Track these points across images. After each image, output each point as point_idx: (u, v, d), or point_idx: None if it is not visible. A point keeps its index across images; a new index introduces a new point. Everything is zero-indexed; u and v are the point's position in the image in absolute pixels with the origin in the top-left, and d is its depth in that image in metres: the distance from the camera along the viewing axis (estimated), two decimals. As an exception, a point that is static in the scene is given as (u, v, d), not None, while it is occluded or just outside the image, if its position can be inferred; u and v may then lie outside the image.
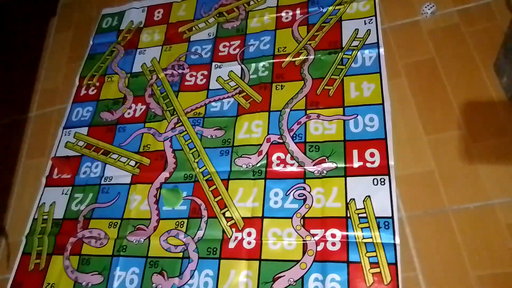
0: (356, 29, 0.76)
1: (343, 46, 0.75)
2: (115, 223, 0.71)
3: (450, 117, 0.65)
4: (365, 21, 0.76)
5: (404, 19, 0.76)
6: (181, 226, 0.68)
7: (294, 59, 0.77)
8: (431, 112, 0.66)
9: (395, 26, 0.75)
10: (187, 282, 0.63)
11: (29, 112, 0.95)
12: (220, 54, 0.83)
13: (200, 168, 0.72)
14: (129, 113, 0.83)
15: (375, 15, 0.75)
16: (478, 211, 0.58)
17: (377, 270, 0.56)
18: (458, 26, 0.72)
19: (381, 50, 0.72)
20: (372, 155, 0.63)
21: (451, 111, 0.66)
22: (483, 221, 0.57)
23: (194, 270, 0.63)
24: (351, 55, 0.73)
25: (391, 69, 0.71)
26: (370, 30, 0.74)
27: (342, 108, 0.69)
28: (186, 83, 0.82)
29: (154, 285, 0.64)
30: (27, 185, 0.84)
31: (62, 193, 0.78)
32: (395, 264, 0.55)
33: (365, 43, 0.73)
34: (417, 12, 0.75)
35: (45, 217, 0.77)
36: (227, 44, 0.84)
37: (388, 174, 0.61)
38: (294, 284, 0.58)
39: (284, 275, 0.59)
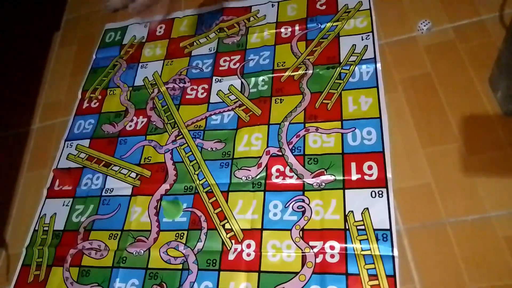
0: (353, 44, 0.77)
1: (341, 61, 0.76)
2: (116, 235, 0.72)
3: (447, 131, 0.66)
4: (362, 37, 0.78)
5: (401, 35, 0.77)
6: (181, 237, 0.68)
7: (293, 74, 0.78)
8: (427, 126, 0.68)
9: (392, 42, 0.77)
10: (186, 294, 0.63)
11: (31, 124, 0.97)
12: (220, 68, 0.85)
13: (200, 180, 0.72)
14: (130, 126, 0.84)
15: (372, 31, 0.77)
16: (475, 224, 0.59)
17: (376, 282, 0.56)
18: (453, 42, 0.74)
19: (378, 65, 0.74)
20: (370, 167, 0.64)
21: (448, 125, 0.67)
22: (480, 234, 0.58)
23: (194, 282, 0.63)
24: (349, 69, 0.75)
25: (388, 83, 0.73)
26: (367, 45, 0.76)
27: (340, 122, 0.70)
28: (187, 97, 0.84)
29: (153, 297, 0.64)
30: (28, 196, 0.85)
31: (63, 205, 0.79)
32: (394, 276, 0.56)
33: (363, 58, 0.75)
34: (413, 29, 0.77)
35: (46, 228, 0.77)
36: (228, 58, 0.86)
37: (386, 187, 0.62)
38: (293, 296, 0.58)
39: (283, 287, 0.59)
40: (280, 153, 0.70)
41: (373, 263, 0.57)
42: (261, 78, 0.80)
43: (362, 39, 0.77)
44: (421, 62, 0.74)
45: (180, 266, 0.65)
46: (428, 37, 0.76)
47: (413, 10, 0.79)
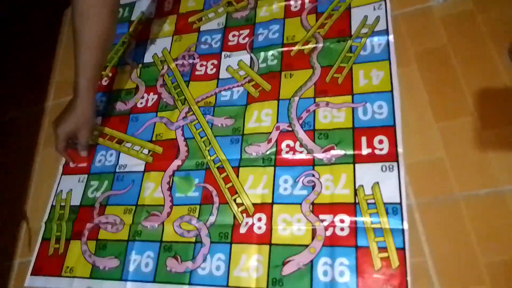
0: (365, 16, 0.75)
1: (352, 34, 0.75)
2: (130, 210, 0.74)
3: (461, 104, 0.65)
4: (374, 6, 0.75)
5: (415, 5, 0.74)
6: (194, 212, 0.70)
7: (303, 48, 0.77)
8: (442, 100, 0.66)
9: (406, 13, 0.74)
10: (199, 265, 0.65)
11: (46, 101, 0.98)
12: (229, 43, 0.84)
13: (211, 156, 0.73)
14: (141, 103, 0.85)
15: (385, 1, 0.75)
16: (488, 198, 0.58)
17: (385, 255, 0.57)
18: (471, 12, 0.71)
19: (391, 37, 0.72)
20: (380, 142, 0.64)
21: (463, 98, 0.65)
22: (492, 208, 0.57)
23: (207, 254, 0.65)
24: (360, 42, 0.73)
25: (402, 56, 0.71)
26: (379, 16, 0.74)
27: (351, 96, 0.69)
28: (197, 73, 0.83)
29: (168, 268, 0.66)
30: (45, 173, 0.87)
31: (79, 181, 0.81)
32: (403, 249, 0.56)
33: (374, 30, 0.73)
34: (429, -2, 0.74)
35: (63, 204, 0.80)
36: (236, 33, 0.85)
37: (397, 161, 0.62)
38: (303, 268, 0.60)
39: (293, 259, 0.60)
40: (290, 129, 0.70)
41: (383, 236, 0.58)
42: (270, 53, 0.79)
43: (374, 9, 0.75)
44: (436, 34, 0.71)
45: (193, 239, 0.67)
46: (444, 7, 0.73)
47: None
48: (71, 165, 0.83)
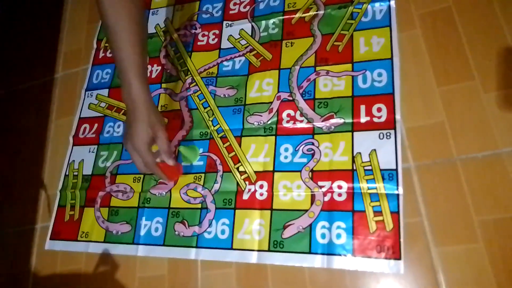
0: (367, -19, 0.74)
1: (354, 0, 0.74)
2: (139, 178, 0.77)
3: (464, 68, 0.65)
4: (376, -30, 0.73)
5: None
6: (199, 180, 0.73)
7: (304, 15, 0.76)
8: (444, 63, 0.66)
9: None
10: (206, 230, 0.69)
11: (55, 73, 1.00)
12: (230, 12, 0.84)
13: (214, 126, 0.75)
14: (146, 74, 0.86)
15: (387, -35, 0.73)
16: (485, 160, 0.60)
17: (380, 218, 0.59)
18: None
19: (392, 2, 0.70)
20: (379, 110, 0.65)
21: (465, 62, 0.65)
22: (490, 170, 0.59)
23: (212, 219, 0.69)
24: (361, 8, 0.72)
25: (405, 20, 0.70)
26: (381, -19, 0.72)
27: (351, 64, 0.69)
28: (199, 43, 0.84)
29: (176, 232, 0.70)
30: (59, 143, 0.91)
31: (89, 151, 0.84)
32: (398, 212, 0.59)
33: (376, -5, 0.72)
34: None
35: (75, 173, 0.84)
36: (238, 1, 0.84)
37: (394, 128, 0.63)
38: (303, 231, 0.63)
39: (293, 223, 0.64)
40: (291, 98, 0.71)
41: (378, 201, 0.60)
42: (271, 21, 0.79)
43: (376, -27, 0.73)
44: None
45: (199, 206, 0.71)
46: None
47: None
48: (168, 183, 0.73)
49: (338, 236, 0.61)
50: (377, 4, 0.71)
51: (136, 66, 0.60)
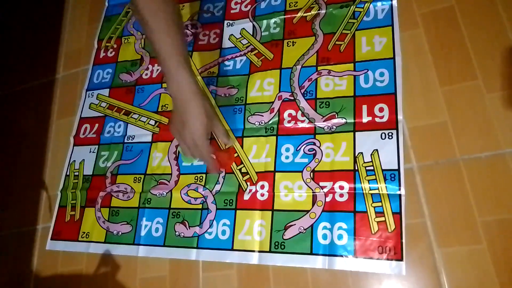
0: (369, -21, 0.73)
1: (355, -1, 0.73)
2: (139, 178, 0.77)
3: (467, 68, 0.64)
4: (378, -31, 0.73)
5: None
6: (200, 180, 0.72)
7: (305, 14, 0.76)
8: (447, 63, 0.66)
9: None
10: (206, 230, 0.68)
11: (56, 74, 1.00)
12: (232, 11, 0.83)
13: (215, 126, 0.75)
14: (146, 74, 0.86)
15: (389, -36, 0.72)
16: (488, 160, 0.59)
17: (382, 219, 0.59)
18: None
19: (394, 1, 0.70)
20: (381, 110, 0.64)
21: (468, 62, 0.64)
22: (493, 170, 0.58)
23: (213, 220, 0.69)
24: (363, 8, 0.72)
25: (408, 19, 0.70)
26: (383, -21, 0.72)
27: (353, 64, 0.69)
28: (200, 43, 0.84)
29: (177, 233, 0.70)
30: (60, 143, 0.90)
31: (90, 151, 0.84)
32: (400, 213, 0.58)
33: (378, -7, 0.71)
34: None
35: (76, 173, 0.84)
36: (239, 0, 0.84)
37: (396, 128, 0.63)
38: (304, 231, 0.62)
39: (295, 224, 0.63)
40: (292, 98, 0.71)
41: (380, 201, 0.60)
42: (273, 21, 0.78)
43: (379, -28, 0.73)
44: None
45: (200, 206, 0.70)
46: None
47: None
48: (220, 170, 0.71)
49: (340, 237, 0.60)
50: (379, 4, 0.71)
51: (184, 57, 0.59)
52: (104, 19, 0.98)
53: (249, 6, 0.82)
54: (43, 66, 1.02)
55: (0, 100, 1.05)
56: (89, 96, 0.90)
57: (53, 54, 1.02)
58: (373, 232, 0.59)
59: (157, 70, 0.85)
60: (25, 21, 1.13)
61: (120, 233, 0.74)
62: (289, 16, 0.77)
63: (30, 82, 1.03)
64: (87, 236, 0.76)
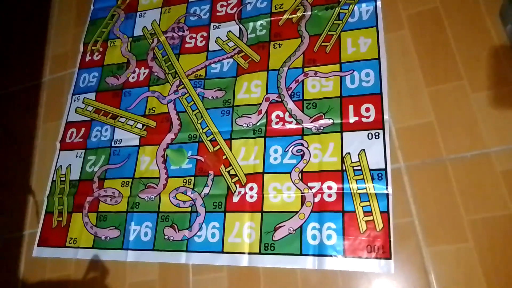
0: (353, -19, 0.74)
1: (340, 1, 0.74)
2: (127, 182, 0.76)
3: (452, 68, 0.65)
4: (363, -28, 0.74)
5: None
6: (189, 183, 0.72)
7: (291, 16, 0.76)
8: (432, 64, 0.67)
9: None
10: (196, 233, 0.68)
11: (42, 77, 0.99)
12: (218, 14, 0.83)
13: (203, 129, 0.75)
14: (133, 78, 0.85)
15: (373, -35, 0.73)
16: (474, 160, 0.60)
17: (370, 218, 0.59)
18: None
19: (378, 3, 0.71)
20: (367, 110, 0.65)
21: (454, 62, 0.66)
22: (478, 169, 0.60)
23: (202, 223, 0.68)
24: (348, 9, 0.73)
25: (394, 20, 0.71)
26: (368, -19, 0.73)
27: (338, 65, 0.70)
28: (187, 45, 0.83)
29: (166, 237, 0.70)
30: (46, 148, 0.89)
31: (76, 156, 0.83)
32: (387, 212, 0.59)
33: (363, -4, 0.72)
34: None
35: (63, 179, 0.82)
36: (225, 3, 0.84)
37: (383, 128, 0.63)
38: (293, 232, 0.63)
39: (284, 225, 0.63)
40: (280, 99, 0.71)
41: (368, 201, 0.60)
42: (259, 23, 0.78)
43: (363, -26, 0.74)
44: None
45: (189, 209, 0.70)
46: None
47: None
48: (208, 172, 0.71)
49: (329, 237, 0.60)
50: (363, 5, 0.72)
51: None
52: (90, 22, 0.97)
53: (235, 9, 0.82)
54: (29, 69, 1.01)
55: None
56: (75, 100, 0.89)
57: (40, 57, 1.01)
58: (361, 232, 0.59)
59: (144, 73, 0.85)
60: (11, 24, 1.11)
61: (108, 238, 0.73)
62: (275, 18, 0.78)
63: (16, 85, 1.01)
64: (74, 242, 0.75)
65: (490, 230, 0.57)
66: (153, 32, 0.88)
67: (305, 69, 0.71)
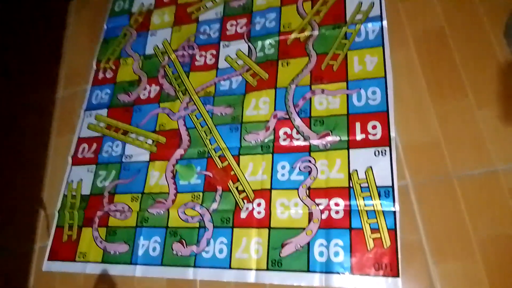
0: (359, 1, 0.76)
1: (347, 20, 0.75)
2: (137, 197, 0.77)
3: (458, 86, 0.66)
4: (369, -7, 0.76)
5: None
6: (197, 199, 0.73)
7: (299, 36, 0.78)
8: (438, 81, 0.67)
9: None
10: (204, 249, 0.68)
11: (56, 93, 1.01)
12: (227, 33, 0.85)
13: (212, 145, 0.76)
14: (144, 94, 0.87)
15: (379, -14, 0.75)
16: (482, 177, 0.60)
17: (378, 235, 0.59)
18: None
19: (384, 22, 0.72)
20: (374, 127, 0.66)
21: (459, 80, 0.66)
22: (486, 187, 0.59)
23: (210, 238, 0.69)
24: (354, 29, 0.74)
25: (400, 39, 0.72)
26: (373, 2, 0.74)
27: (345, 83, 0.71)
28: (196, 63, 0.85)
29: (174, 252, 0.70)
30: (58, 161, 0.91)
31: (88, 171, 0.85)
32: (395, 229, 0.59)
33: (369, 16, 0.74)
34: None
35: (74, 193, 0.84)
36: (234, 22, 0.86)
37: (389, 145, 0.64)
38: (301, 249, 0.63)
39: (291, 241, 0.64)
40: (287, 116, 0.72)
41: (375, 218, 0.60)
42: (267, 42, 0.80)
43: (369, -5, 0.75)
44: (434, 15, 0.72)
45: (197, 224, 0.71)
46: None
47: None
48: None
49: (336, 254, 0.60)
50: (369, 25, 0.73)
51: None
52: (103, 41, 1.00)
53: (244, 28, 0.84)
54: (44, 85, 1.03)
55: (1, 118, 1.05)
56: (87, 116, 0.91)
57: (54, 74, 1.03)
58: (369, 249, 0.59)
59: (155, 90, 0.87)
60: (27, 42, 1.14)
61: (117, 253, 0.74)
62: (283, 37, 0.79)
63: (31, 101, 1.04)
64: (84, 256, 0.76)
65: (498, 249, 0.56)
66: (164, 50, 0.90)
67: (313, 87, 0.73)
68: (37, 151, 0.95)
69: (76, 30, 1.09)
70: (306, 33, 0.78)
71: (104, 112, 0.90)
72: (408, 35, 0.72)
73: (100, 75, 0.95)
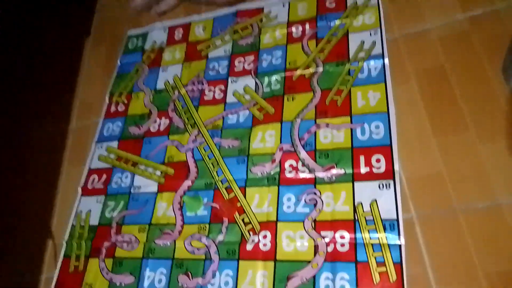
0: (362, 41, 0.79)
1: (350, 58, 0.79)
2: (144, 228, 0.78)
3: (459, 121, 0.68)
4: (370, 32, 0.79)
5: (414, 28, 0.78)
6: (204, 230, 0.74)
7: (304, 72, 0.82)
8: (440, 116, 0.69)
9: (405, 35, 0.78)
10: (209, 281, 0.68)
11: (69, 124, 1.05)
12: (235, 69, 0.89)
13: (219, 176, 0.77)
14: (154, 127, 0.90)
15: (380, 27, 0.79)
16: (485, 211, 0.60)
17: (384, 269, 0.59)
18: (467, 32, 0.74)
19: (386, 60, 0.75)
20: (378, 160, 0.67)
21: (460, 115, 0.68)
22: (491, 220, 0.60)
23: (216, 270, 0.69)
24: (357, 66, 0.77)
25: (402, 75, 0.74)
26: (375, 41, 0.78)
27: (349, 117, 0.73)
28: (205, 98, 0.89)
29: (180, 284, 0.70)
30: (68, 192, 0.92)
31: (97, 202, 0.86)
32: (400, 263, 0.59)
33: (371, 54, 0.77)
34: (426, 20, 0.77)
35: (82, 224, 0.85)
36: (242, 59, 0.90)
37: (393, 179, 0.65)
38: (306, 282, 0.62)
39: (297, 274, 0.63)
40: (293, 149, 0.74)
41: (381, 251, 0.60)
42: (274, 78, 0.84)
43: (371, 35, 0.79)
44: (434, 54, 0.75)
45: (203, 256, 0.71)
46: (442, 29, 0.76)
47: (425, 1, 0.80)
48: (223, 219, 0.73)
49: (342, 287, 0.60)
50: (372, 62, 0.76)
51: None
52: (116, 76, 1.04)
53: (251, 65, 0.88)
54: (57, 117, 1.07)
55: (15, 144, 1.08)
56: (98, 148, 0.94)
57: (67, 106, 1.07)
58: (375, 283, 0.59)
59: (164, 123, 0.90)
60: (43, 75, 1.19)
61: (123, 284, 0.74)
62: (289, 73, 0.83)
63: (44, 131, 1.07)
64: (90, 287, 0.76)
65: (506, 284, 0.55)
66: (175, 85, 0.94)
67: (317, 121, 0.75)
68: (48, 181, 0.97)
69: (91, 65, 1.15)
70: (311, 70, 0.81)
71: (115, 144, 0.92)
72: (410, 72, 0.75)
73: (112, 108, 0.99)
